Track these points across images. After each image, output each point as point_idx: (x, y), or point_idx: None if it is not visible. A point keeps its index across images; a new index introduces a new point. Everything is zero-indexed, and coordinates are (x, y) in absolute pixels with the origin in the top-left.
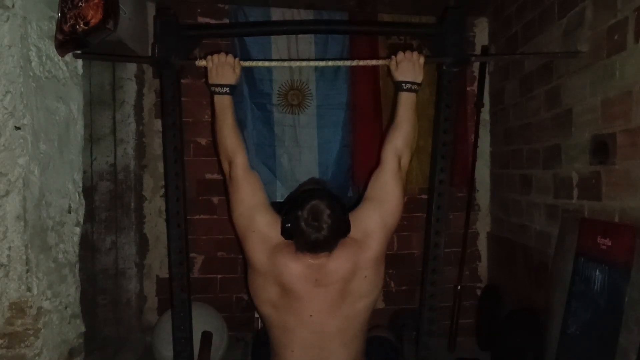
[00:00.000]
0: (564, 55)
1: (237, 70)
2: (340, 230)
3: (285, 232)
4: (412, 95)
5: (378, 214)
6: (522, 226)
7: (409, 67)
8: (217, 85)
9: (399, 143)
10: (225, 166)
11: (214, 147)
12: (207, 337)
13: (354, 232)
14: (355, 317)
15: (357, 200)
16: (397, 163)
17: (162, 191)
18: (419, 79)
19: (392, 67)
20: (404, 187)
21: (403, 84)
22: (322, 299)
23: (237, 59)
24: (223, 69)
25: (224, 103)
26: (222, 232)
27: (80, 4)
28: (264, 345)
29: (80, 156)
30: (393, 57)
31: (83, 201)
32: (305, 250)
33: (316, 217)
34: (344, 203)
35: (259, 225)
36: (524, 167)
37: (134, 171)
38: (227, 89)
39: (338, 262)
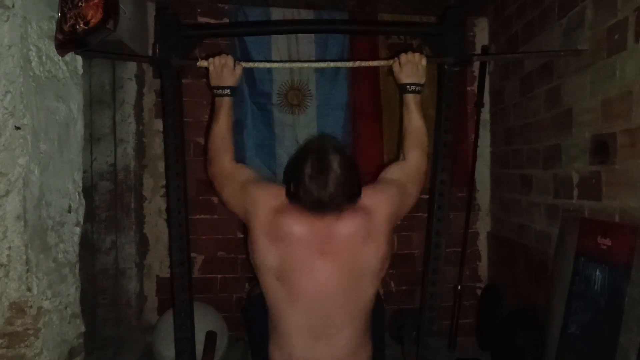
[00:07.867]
0: (565, 54)
1: (238, 72)
2: (348, 189)
3: (288, 191)
4: (418, 96)
5: (395, 192)
6: (522, 226)
7: (413, 69)
8: (218, 87)
9: (417, 142)
10: (212, 167)
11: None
12: (211, 337)
13: (366, 200)
14: (364, 294)
15: None
16: (422, 160)
17: (162, 191)
18: (422, 80)
19: (396, 70)
20: (423, 184)
21: (408, 86)
22: (328, 270)
23: (237, 61)
24: (224, 71)
25: (223, 104)
26: (222, 232)
27: (80, 3)
28: (258, 306)
29: (80, 156)
30: (396, 59)
31: (83, 201)
32: (310, 210)
33: (321, 171)
34: (355, 161)
35: (260, 192)
36: (524, 167)
37: (134, 171)
38: (227, 91)
39: (347, 228)
